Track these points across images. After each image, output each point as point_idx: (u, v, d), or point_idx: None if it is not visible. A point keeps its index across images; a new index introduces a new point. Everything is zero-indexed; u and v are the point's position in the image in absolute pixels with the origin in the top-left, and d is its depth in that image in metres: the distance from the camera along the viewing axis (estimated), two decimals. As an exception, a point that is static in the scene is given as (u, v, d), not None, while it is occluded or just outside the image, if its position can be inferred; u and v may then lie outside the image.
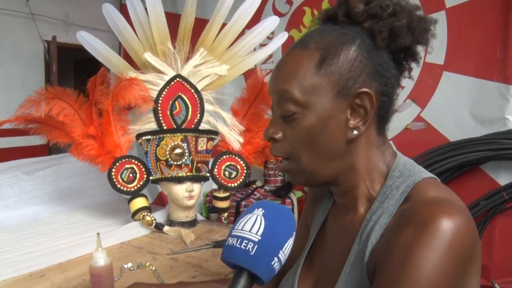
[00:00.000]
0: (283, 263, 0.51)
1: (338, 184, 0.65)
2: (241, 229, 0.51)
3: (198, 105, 1.58)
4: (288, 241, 0.52)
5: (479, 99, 2.39)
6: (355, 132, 0.60)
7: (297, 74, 0.60)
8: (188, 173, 1.57)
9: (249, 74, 1.74)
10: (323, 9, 0.67)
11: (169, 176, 1.56)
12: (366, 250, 0.58)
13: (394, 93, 0.63)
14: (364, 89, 0.59)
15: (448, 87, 2.49)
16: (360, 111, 0.60)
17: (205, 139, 1.62)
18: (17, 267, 1.23)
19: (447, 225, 0.49)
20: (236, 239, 0.50)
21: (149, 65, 1.57)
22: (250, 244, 0.49)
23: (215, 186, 1.88)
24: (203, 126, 1.61)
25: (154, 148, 1.57)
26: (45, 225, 1.65)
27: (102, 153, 1.53)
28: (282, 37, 1.71)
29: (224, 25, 1.61)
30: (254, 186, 3.12)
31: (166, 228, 1.55)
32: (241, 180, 1.68)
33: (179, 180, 1.56)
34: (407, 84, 2.55)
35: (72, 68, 5.95)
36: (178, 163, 1.55)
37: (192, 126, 1.58)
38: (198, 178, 1.60)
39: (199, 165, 1.60)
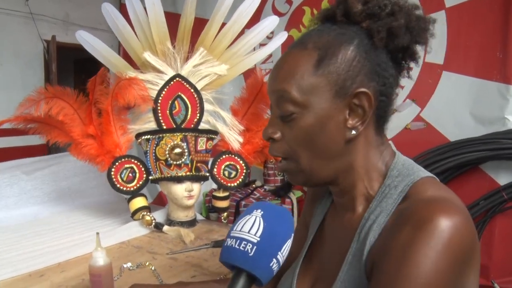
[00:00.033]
0: (281, 264, 0.52)
1: (337, 183, 0.65)
2: (240, 230, 0.51)
3: (198, 105, 1.58)
4: (287, 243, 0.52)
5: (479, 99, 2.39)
6: (353, 132, 0.60)
7: (295, 74, 0.60)
8: (188, 173, 1.57)
9: (248, 74, 1.74)
10: (322, 8, 0.67)
11: (168, 175, 1.56)
12: (364, 249, 0.58)
13: (392, 93, 0.63)
14: (362, 89, 0.59)
15: (448, 87, 2.49)
16: (358, 111, 0.60)
17: (205, 139, 1.62)
18: (16, 267, 1.23)
19: (445, 224, 0.49)
20: (235, 240, 0.50)
21: (148, 64, 1.57)
22: (249, 245, 0.49)
23: (214, 186, 1.88)
24: (202, 125, 1.61)
25: (154, 148, 1.57)
26: (44, 225, 1.65)
27: (101, 153, 1.53)
28: (282, 36, 1.71)
29: (223, 24, 1.61)
30: (253, 185, 3.12)
31: (165, 227, 1.55)
32: (240, 179, 1.68)
33: (179, 179, 1.56)
34: (407, 84, 2.55)
35: (72, 68, 5.95)
36: (178, 162, 1.55)
37: (192, 125, 1.58)
38: (197, 178, 1.60)
39: (198, 164, 1.60)
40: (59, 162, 1.99)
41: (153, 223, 1.54)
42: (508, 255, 2.38)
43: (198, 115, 1.59)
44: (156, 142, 1.57)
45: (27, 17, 3.72)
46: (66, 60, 5.14)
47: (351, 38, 0.60)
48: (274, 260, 0.50)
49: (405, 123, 2.63)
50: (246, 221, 0.52)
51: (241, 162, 1.67)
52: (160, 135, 1.56)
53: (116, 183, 1.55)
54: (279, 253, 0.50)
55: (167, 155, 1.54)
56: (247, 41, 1.63)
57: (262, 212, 0.52)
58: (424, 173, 0.61)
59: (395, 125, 2.60)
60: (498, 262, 2.38)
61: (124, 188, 1.56)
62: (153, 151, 1.57)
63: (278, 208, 0.54)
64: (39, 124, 1.56)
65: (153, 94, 1.55)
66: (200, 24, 1.63)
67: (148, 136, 1.57)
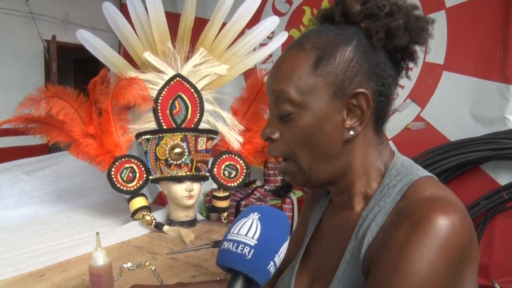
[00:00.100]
0: (278, 266, 0.52)
1: (336, 183, 0.65)
2: (237, 233, 0.51)
3: (198, 105, 1.58)
4: (283, 245, 0.52)
5: (479, 99, 2.38)
6: (352, 132, 0.61)
7: (293, 74, 0.60)
8: (188, 173, 1.57)
9: (248, 74, 1.74)
10: (321, 9, 0.67)
11: (168, 175, 1.56)
12: (362, 248, 0.58)
13: (391, 93, 0.63)
14: (360, 90, 0.59)
15: (448, 87, 2.49)
16: (356, 111, 0.60)
17: (205, 139, 1.62)
18: (16, 267, 1.23)
19: (442, 223, 0.49)
20: (232, 243, 0.50)
21: (149, 64, 1.57)
22: (247, 248, 0.49)
23: (215, 186, 1.88)
24: (202, 125, 1.61)
25: (154, 148, 1.57)
26: (44, 224, 1.65)
27: (101, 153, 1.53)
28: (282, 36, 1.71)
29: (224, 24, 1.61)
30: (254, 185, 3.12)
31: (165, 227, 1.55)
32: (240, 179, 1.68)
33: (179, 179, 1.56)
34: (407, 84, 2.55)
35: (72, 68, 5.96)
36: (178, 162, 1.55)
37: (192, 125, 1.58)
38: (197, 178, 1.60)
39: (198, 164, 1.60)
40: (59, 161, 1.99)
41: (153, 223, 1.54)
42: (509, 255, 2.37)
43: (198, 115, 1.59)
44: (156, 142, 1.57)
45: (27, 16, 3.72)
46: (66, 60, 5.15)
47: (349, 38, 0.60)
48: (272, 262, 0.50)
49: (405, 123, 2.62)
50: (243, 224, 0.52)
51: (241, 162, 1.67)
52: (160, 135, 1.56)
53: (116, 183, 1.55)
54: (276, 255, 0.51)
55: (167, 155, 1.54)
56: (247, 41, 1.63)
57: (259, 215, 0.52)
58: (423, 172, 0.61)
59: (395, 125, 2.60)
60: (498, 262, 2.38)
61: (124, 188, 1.56)
62: (153, 151, 1.57)
63: (275, 211, 0.55)
64: (39, 124, 1.56)
65: (153, 94, 1.55)
66: (200, 24, 1.63)
67: (148, 136, 1.57)
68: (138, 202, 1.56)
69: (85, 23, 3.59)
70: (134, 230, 1.54)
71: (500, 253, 2.39)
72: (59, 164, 1.97)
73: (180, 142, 1.56)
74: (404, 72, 0.66)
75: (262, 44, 1.74)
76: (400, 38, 0.60)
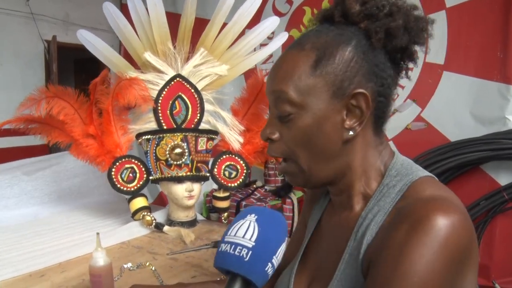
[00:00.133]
0: (276, 268, 0.52)
1: (335, 183, 0.65)
2: (235, 235, 0.51)
3: (198, 105, 1.58)
4: (281, 246, 0.52)
5: (479, 99, 2.38)
6: (351, 132, 0.60)
7: (293, 74, 0.60)
8: (188, 173, 1.57)
9: (249, 74, 1.74)
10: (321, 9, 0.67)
11: (169, 175, 1.56)
12: (361, 248, 0.58)
13: (391, 93, 0.63)
14: (360, 90, 0.59)
15: (448, 87, 2.49)
16: (355, 111, 0.60)
17: (205, 139, 1.62)
18: (17, 267, 1.23)
19: (442, 223, 0.49)
20: (229, 245, 0.50)
21: (149, 64, 1.58)
22: (244, 250, 0.49)
23: (215, 186, 1.88)
24: (203, 126, 1.61)
25: (154, 148, 1.57)
26: (45, 225, 1.65)
27: (102, 153, 1.53)
28: (282, 37, 1.71)
29: (224, 25, 1.61)
30: (254, 186, 3.12)
31: (166, 228, 1.55)
32: (241, 180, 1.68)
33: (179, 180, 1.56)
34: (407, 84, 2.55)
35: (73, 68, 5.95)
36: (178, 162, 1.55)
37: (192, 126, 1.58)
38: (198, 178, 1.60)
39: (199, 165, 1.60)
40: (60, 162, 1.99)
41: (154, 223, 1.54)
42: (509, 255, 2.37)
43: (198, 115, 1.59)
44: (156, 142, 1.57)
45: (28, 17, 3.72)
46: (66, 60, 5.15)
47: (349, 38, 0.60)
48: (269, 264, 0.50)
49: (405, 123, 2.62)
50: (240, 226, 0.51)
51: (241, 162, 1.67)
52: (161, 135, 1.56)
53: (116, 183, 1.55)
54: (274, 257, 0.50)
55: (168, 155, 1.54)
56: (247, 41, 1.64)
57: (256, 217, 0.52)
58: (423, 172, 0.61)
59: (395, 125, 2.60)
60: (499, 262, 2.38)
61: (125, 188, 1.56)
62: (154, 151, 1.57)
63: (272, 212, 0.54)
64: (39, 125, 1.56)
65: (154, 94, 1.55)
66: (200, 24, 1.63)
67: (149, 136, 1.57)
68: (139, 202, 1.56)
69: (86, 23, 3.59)
70: (135, 231, 1.54)
71: (501, 253, 2.39)
72: (59, 165, 1.98)
73: (180, 143, 1.56)
74: (404, 72, 0.66)
75: (263, 45, 1.74)
76: (399, 38, 0.60)
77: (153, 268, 1.22)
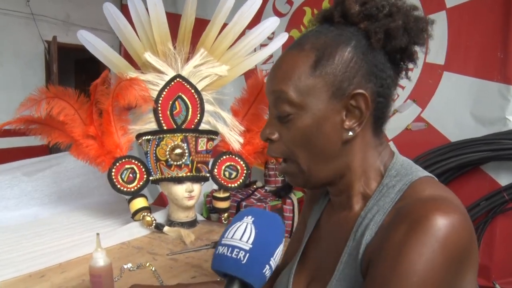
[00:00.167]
0: (273, 269, 0.51)
1: (335, 183, 0.65)
2: (232, 238, 0.51)
3: (198, 105, 1.58)
4: (279, 248, 0.52)
5: (480, 99, 2.38)
6: (351, 133, 0.60)
7: (292, 75, 0.60)
8: (188, 173, 1.57)
9: (249, 75, 1.74)
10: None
11: (169, 176, 1.56)
12: (360, 247, 0.58)
13: (390, 94, 0.63)
14: (359, 90, 0.59)
15: (449, 87, 2.49)
16: (355, 112, 0.60)
17: (205, 139, 1.62)
18: (17, 267, 1.23)
19: (441, 223, 0.49)
20: (227, 248, 0.50)
21: (149, 65, 1.58)
22: (242, 253, 0.49)
23: (215, 187, 1.88)
24: (203, 126, 1.61)
25: (154, 148, 1.57)
26: (45, 225, 1.66)
27: (102, 153, 1.53)
28: (283, 37, 1.71)
29: (225, 25, 1.61)
30: (254, 186, 3.11)
31: (166, 228, 1.55)
32: (241, 180, 1.68)
33: (179, 180, 1.56)
34: (408, 85, 2.55)
35: (73, 68, 5.96)
36: (178, 163, 1.55)
37: (192, 126, 1.58)
38: (198, 179, 1.60)
39: (199, 165, 1.60)
40: (60, 162, 1.99)
41: (154, 224, 1.54)
42: (509, 255, 2.37)
43: (198, 115, 1.59)
44: (156, 143, 1.57)
45: (28, 17, 3.73)
46: (67, 61, 5.15)
47: (348, 39, 0.60)
48: (267, 266, 0.50)
49: (406, 123, 2.62)
50: (237, 228, 0.51)
51: (241, 162, 1.67)
52: (161, 136, 1.56)
53: (116, 183, 1.55)
54: (271, 259, 0.50)
55: (168, 156, 1.54)
56: (248, 42, 1.64)
57: (253, 219, 0.52)
58: (423, 173, 0.61)
59: (395, 125, 2.60)
60: (499, 262, 2.38)
61: (125, 189, 1.56)
62: (154, 151, 1.57)
63: (269, 214, 0.54)
64: (40, 125, 1.56)
65: (154, 94, 1.55)
66: (200, 24, 1.63)
67: (149, 137, 1.57)
68: (139, 203, 1.56)
69: (86, 23, 3.60)
70: (135, 231, 1.54)
71: (501, 253, 2.39)
72: (59, 165, 1.98)
73: (180, 143, 1.56)
74: (404, 73, 0.66)
75: (263, 45, 1.74)
76: (399, 39, 0.59)
77: (153, 269, 1.22)
